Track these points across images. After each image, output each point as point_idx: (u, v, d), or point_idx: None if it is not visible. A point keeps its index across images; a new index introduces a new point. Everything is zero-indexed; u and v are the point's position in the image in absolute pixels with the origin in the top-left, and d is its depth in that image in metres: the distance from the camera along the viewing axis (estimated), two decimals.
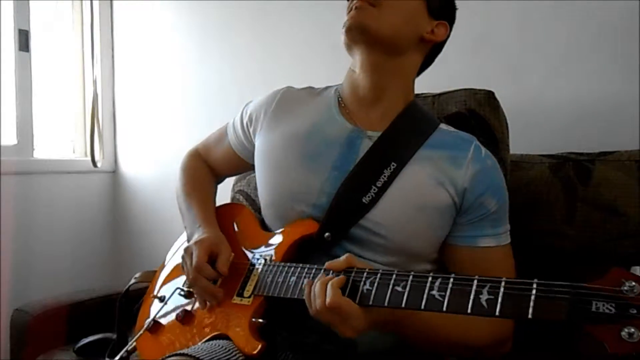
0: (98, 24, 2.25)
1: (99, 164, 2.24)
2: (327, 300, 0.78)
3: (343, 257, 0.85)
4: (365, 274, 0.81)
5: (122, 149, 2.34)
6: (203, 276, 0.97)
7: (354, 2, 0.99)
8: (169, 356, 0.90)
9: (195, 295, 1.04)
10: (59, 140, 2.28)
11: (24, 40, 2.02)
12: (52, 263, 2.10)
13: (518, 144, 1.26)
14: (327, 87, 1.14)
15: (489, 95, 1.19)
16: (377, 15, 0.98)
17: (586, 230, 1.14)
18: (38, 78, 2.10)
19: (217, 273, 0.98)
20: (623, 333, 0.58)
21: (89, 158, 2.22)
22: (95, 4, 2.24)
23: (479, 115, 1.18)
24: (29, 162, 2.06)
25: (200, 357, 0.87)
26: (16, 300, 1.67)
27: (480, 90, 1.20)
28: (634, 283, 0.60)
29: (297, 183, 1.02)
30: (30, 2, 2.05)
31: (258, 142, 1.12)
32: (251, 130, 1.15)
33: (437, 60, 1.51)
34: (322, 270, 0.86)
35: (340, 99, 1.08)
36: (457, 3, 1.53)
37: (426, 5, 1.01)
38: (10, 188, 1.93)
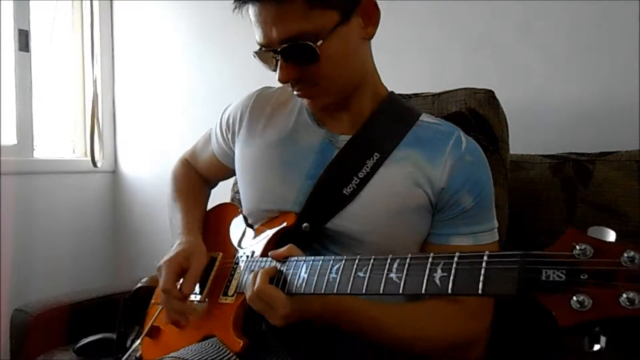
0: (98, 24, 2.25)
1: (99, 164, 2.24)
2: (255, 287, 0.82)
3: (285, 247, 0.87)
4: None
5: (122, 149, 2.34)
6: (171, 297, 0.97)
7: (296, 92, 0.95)
8: None
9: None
10: (59, 140, 2.28)
11: (24, 40, 2.02)
12: (52, 263, 2.10)
13: (518, 144, 1.26)
14: None
15: (489, 95, 1.19)
16: (324, 89, 0.93)
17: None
18: (38, 78, 2.10)
19: (182, 294, 0.97)
20: (572, 302, 0.53)
21: (89, 158, 2.22)
22: (95, 4, 2.24)
23: (479, 114, 1.18)
24: (29, 162, 2.06)
25: (189, 359, 0.87)
26: (16, 300, 1.67)
27: (480, 89, 1.20)
28: (585, 246, 0.54)
29: (272, 195, 1.01)
30: (30, 2, 2.05)
31: (236, 152, 1.12)
32: (229, 136, 1.14)
33: (437, 59, 1.52)
34: (295, 261, 0.85)
35: None
36: (458, 3, 1.53)
37: (341, 18, 0.89)
38: (10, 188, 1.93)
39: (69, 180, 2.19)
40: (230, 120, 1.14)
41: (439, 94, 1.24)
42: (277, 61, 0.90)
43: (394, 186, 0.94)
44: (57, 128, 2.27)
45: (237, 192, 1.58)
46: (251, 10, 0.92)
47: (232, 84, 1.99)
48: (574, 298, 0.53)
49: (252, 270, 0.91)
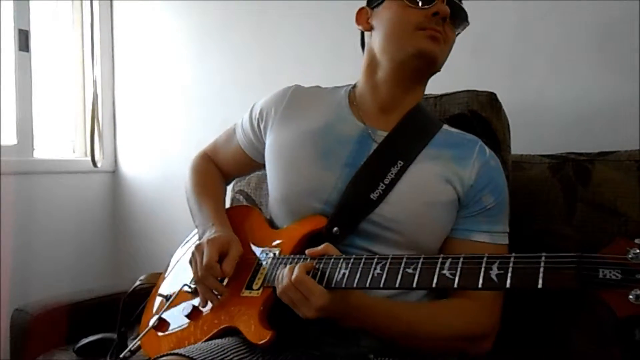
0: (98, 24, 2.25)
1: (99, 164, 2.24)
2: (293, 276, 0.84)
3: (322, 246, 0.90)
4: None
5: (122, 149, 2.34)
6: (211, 274, 0.99)
7: (435, 30, 0.99)
8: (162, 356, 0.91)
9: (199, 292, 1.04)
10: (59, 140, 2.28)
11: (24, 40, 2.02)
12: (52, 263, 2.10)
13: (518, 144, 1.26)
14: (335, 88, 1.15)
15: (491, 97, 1.19)
16: (445, 50, 1.02)
17: (586, 231, 1.14)
18: (38, 78, 2.10)
19: (223, 273, 0.99)
20: (631, 296, 0.60)
21: (89, 158, 2.22)
22: (95, 4, 2.24)
23: (481, 116, 1.18)
24: (29, 162, 2.06)
25: (194, 357, 0.87)
26: (16, 300, 1.67)
27: (482, 91, 1.20)
28: (638, 250, 0.61)
29: (310, 179, 1.03)
30: (30, 2, 2.05)
31: (270, 140, 1.13)
32: (262, 126, 1.15)
33: None
34: (333, 258, 0.88)
35: (351, 99, 1.09)
36: None
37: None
38: (10, 188, 1.93)
39: (69, 180, 2.19)
40: (264, 112, 1.15)
41: (441, 96, 1.24)
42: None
43: (425, 181, 0.99)
44: (57, 128, 2.27)
45: (238, 192, 1.59)
46: None
47: (232, 84, 1.99)
48: (632, 293, 0.60)
49: (284, 265, 0.93)
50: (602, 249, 0.64)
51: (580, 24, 1.34)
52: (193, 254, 1.03)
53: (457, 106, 1.21)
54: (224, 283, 1.01)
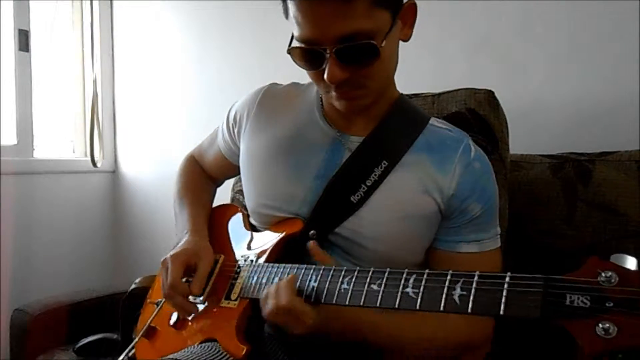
0: (98, 24, 2.26)
1: (99, 164, 2.24)
2: (283, 301, 0.80)
3: (321, 251, 0.88)
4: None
5: (122, 149, 2.34)
6: (177, 293, 0.96)
7: (340, 92, 0.89)
8: None
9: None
10: (59, 140, 2.28)
11: (24, 40, 2.02)
12: (52, 263, 2.10)
13: (518, 144, 1.26)
14: (309, 85, 1.09)
15: (489, 95, 1.19)
16: (370, 89, 0.90)
17: (586, 231, 1.14)
18: (38, 78, 2.10)
19: (191, 292, 0.96)
20: (598, 329, 0.53)
21: (89, 158, 2.23)
22: (95, 4, 2.25)
23: (478, 114, 1.17)
24: (29, 162, 2.06)
25: None
26: (16, 300, 1.67)
27: (480, 89, 1.20)
28: (610, 273, 0.55)
29: (279, 193, 0.99)
30: (30, 2, 2.05)
31: (242, 147, 1.10)
32: (236, 132, 1.13)
33: (437, 59, 1.52)
34: (304, 268, 0.85)
35: (322, 101, 1.03)
36: (458, 3, 1.53)
37: (392, 21, 0.86)
38: (10, 188, 1.93)
39: (69, 180, 2.19)
40: (237, 116, 1.12)
41: (439, 94, 1.24)
42: (324, 60, 0.84)
43: (402, 193, 0.93)
44: (57, 128, 2.27)
45: (237, 192, 1.59)
46: (303, 3, 0.82)
47: (232, 84, 1.99)
48: (600, 325, 0.53)
49: (260, 275, 0.91)
50: (574, 271, 0.58)
51: (580, 24, 1.34)
52: (160, 269, 1.00)
53: (454, 104, 1.20)
54: (207, 290, 0.99)
